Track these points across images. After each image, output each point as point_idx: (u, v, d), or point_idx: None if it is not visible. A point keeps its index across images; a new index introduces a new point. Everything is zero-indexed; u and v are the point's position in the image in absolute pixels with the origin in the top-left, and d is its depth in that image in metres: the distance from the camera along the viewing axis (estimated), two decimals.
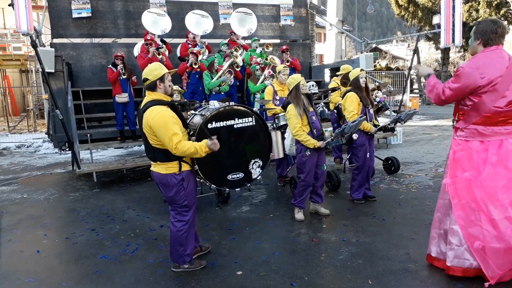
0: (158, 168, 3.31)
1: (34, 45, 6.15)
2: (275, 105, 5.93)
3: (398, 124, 5.79)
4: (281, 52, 8.73)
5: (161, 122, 3.08)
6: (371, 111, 5.21)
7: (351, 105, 4.96)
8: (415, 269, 3.38)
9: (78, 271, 3.67)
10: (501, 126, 3.00)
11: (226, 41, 8.60)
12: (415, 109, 5.59)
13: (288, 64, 8.51)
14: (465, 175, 3.08)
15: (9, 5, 6.26)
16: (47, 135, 9.83)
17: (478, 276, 3.07)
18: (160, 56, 7.27)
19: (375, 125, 5.18)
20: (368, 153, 5.13)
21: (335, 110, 6.85)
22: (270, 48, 8.41)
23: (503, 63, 2.92)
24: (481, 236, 2.98)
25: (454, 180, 3.13)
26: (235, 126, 4.20)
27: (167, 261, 3.69)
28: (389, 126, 5.75)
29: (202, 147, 3.17)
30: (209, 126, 4.01)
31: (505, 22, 21.25)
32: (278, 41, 11.85)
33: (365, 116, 4.84)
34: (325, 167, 4.73)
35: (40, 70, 6.60)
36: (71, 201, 6.03)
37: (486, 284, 3.00)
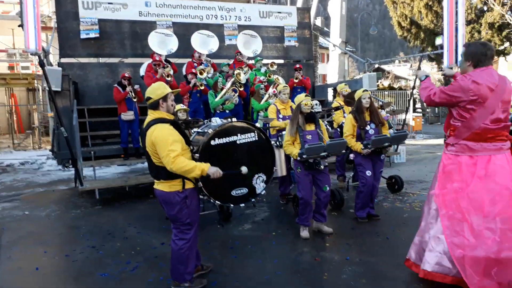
0: (161, 186, 3.31)
1: (41, 64, 6.25)
2: None
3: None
4: (294, 70, 8.85)
5: (161, 137, 3.11)
6: (371, 131, 5.10)
7: (345, 126, 5.22)
8: None
9: None
10: (490, 143, 3.14)
11: (228, 62, 8.71)
12: (404, 131, 5.51)
13: (297, 81, 8.60)
14: (453, 186, 3.21)
15: (19, 25, 6.43)
16: (51, 152, 9.89)
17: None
18: (169, 78, 7.36)
19: (368, 144, 4.98)
20: (369, 172, 5.09)
21: (338, 129, 6.88)
22: (275, 67, 8.50)
23: (493, 81, 3.08)
24: (463, 245, 3.08)
25: (443, 192, 3.26)
26: (238, 142, 4.21)
27: (167, 280, 3.64)
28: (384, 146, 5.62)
29: (203, 168, 3.15)
30: (212, 142, 4.03)
31: (507, 44, 21.36)
32: (282, 61, 12.00)
33: (345, 140, 4.79)
34: (327, 188, 4.68)
35: (47, 88, 6.70)
36: (73, 218, 6.01)
37: None
